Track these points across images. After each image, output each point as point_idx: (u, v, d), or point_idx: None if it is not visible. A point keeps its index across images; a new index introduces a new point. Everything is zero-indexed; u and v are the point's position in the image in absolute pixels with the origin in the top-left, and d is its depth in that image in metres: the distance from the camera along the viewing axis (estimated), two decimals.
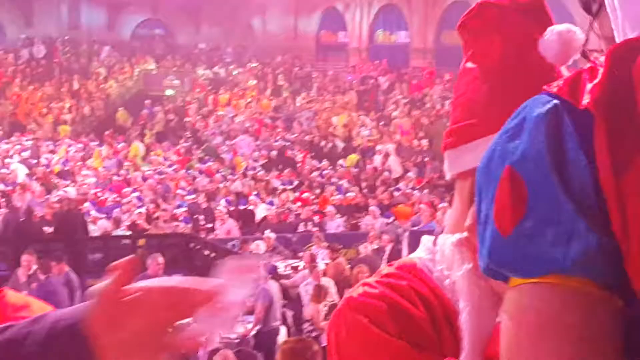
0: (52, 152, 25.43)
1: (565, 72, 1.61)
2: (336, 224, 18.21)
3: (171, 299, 1.27)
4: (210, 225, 18.10)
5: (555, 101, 1.07)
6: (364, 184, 22.09)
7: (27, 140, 26.66)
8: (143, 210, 17.82)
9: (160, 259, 12.35)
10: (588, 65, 1.13)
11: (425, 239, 1.73)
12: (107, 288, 1.29)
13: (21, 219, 16.63)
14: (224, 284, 1.25)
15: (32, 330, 1.31)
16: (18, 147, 25.49)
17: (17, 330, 1.32)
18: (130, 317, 1.27)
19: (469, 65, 1.69)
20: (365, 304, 1.62)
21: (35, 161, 23.52)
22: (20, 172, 21.12)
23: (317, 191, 21.03)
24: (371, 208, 18.70)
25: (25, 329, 1.32)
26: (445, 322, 1.61)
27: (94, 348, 1.27)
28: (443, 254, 1.66)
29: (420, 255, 1.70)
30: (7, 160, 23.06)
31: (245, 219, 18.51)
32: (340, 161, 24.94)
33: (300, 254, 15.23)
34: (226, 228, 17.75)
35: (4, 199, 18.21)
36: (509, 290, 1.07)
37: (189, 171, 23.53)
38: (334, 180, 22.50)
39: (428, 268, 1.67)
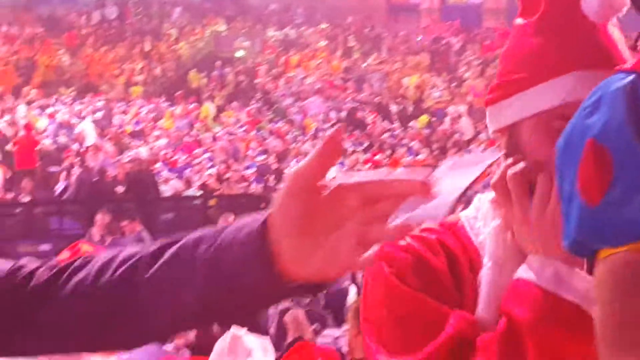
0: (124, 112, 25.69)
1: (611, 30, 1.59)
2: None
3: (374, 191, 1.09)
4: (280, 186, 18.08)
5: (632, 76, 1.08)
6: (435, 146, 21.96)
7: (99, 101, 26.95)
8: (214, 170, 17.90)
9: (232, 219, 12.37)
10: None
11: (477, 197, 1.74)
12: (305, 167, 1.11)
13: (94, 179, 16.83)
14: (437, 174, 1.10)
15: (202, 242, 1.15)
16: (90, 107, 25.78)
17: (185, 242, 1.16)
18: (322, 214, 1.08)
19: (519, 21, 1.69)
20: (391, 254, 1.64)
21: (107, 122, 23.78)
22: (89, 133, 21.32)
23: (388, 152, 20.96)
24: None
25: (197, 237, 1.16)
26: (470, 278, 1.61)
27: (276, 255, 1.09)
28: (483, 210, 1.68)
29: (467, 212, 1.71)
30: (73, 121, 23.28)
31: None
32: (411, 122, 24.82)
33: None
34: None
35: (78, 159, 18.43)
36: (598, 263, 1.06)
37: (260, 132, 23.60)
38: (404, 141, 22.40)
39: (470, 224, 1.68)
